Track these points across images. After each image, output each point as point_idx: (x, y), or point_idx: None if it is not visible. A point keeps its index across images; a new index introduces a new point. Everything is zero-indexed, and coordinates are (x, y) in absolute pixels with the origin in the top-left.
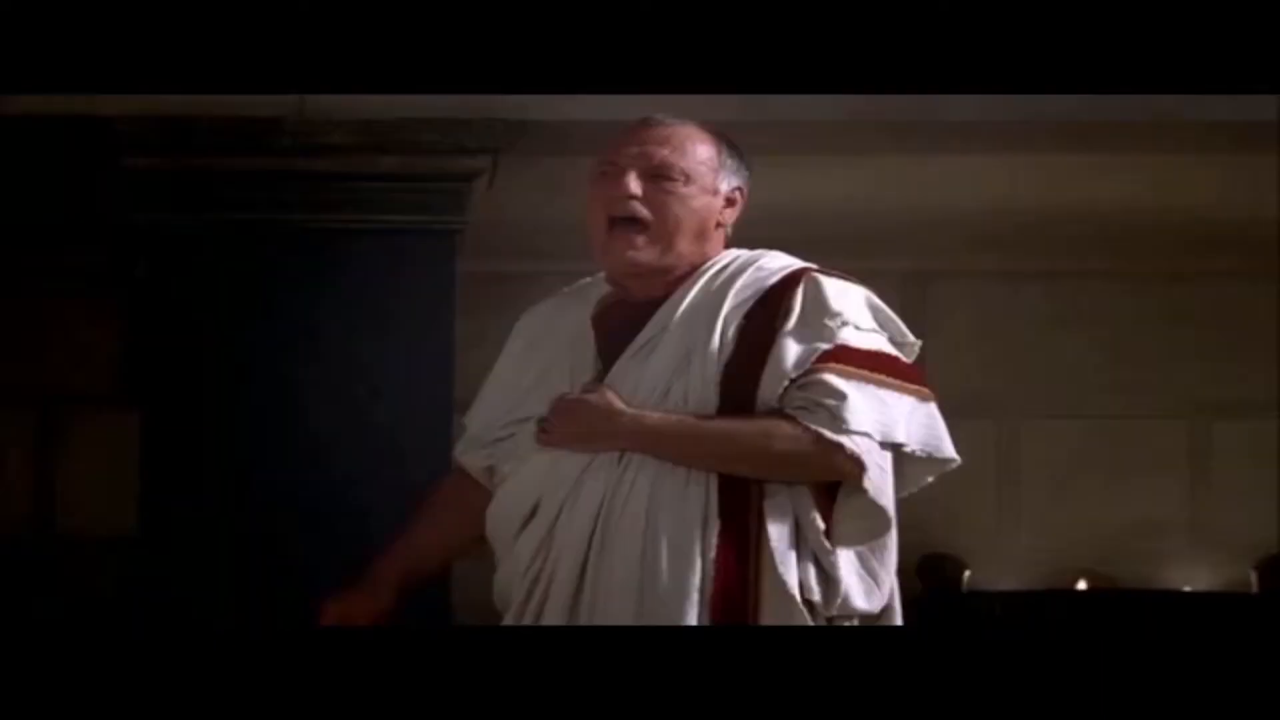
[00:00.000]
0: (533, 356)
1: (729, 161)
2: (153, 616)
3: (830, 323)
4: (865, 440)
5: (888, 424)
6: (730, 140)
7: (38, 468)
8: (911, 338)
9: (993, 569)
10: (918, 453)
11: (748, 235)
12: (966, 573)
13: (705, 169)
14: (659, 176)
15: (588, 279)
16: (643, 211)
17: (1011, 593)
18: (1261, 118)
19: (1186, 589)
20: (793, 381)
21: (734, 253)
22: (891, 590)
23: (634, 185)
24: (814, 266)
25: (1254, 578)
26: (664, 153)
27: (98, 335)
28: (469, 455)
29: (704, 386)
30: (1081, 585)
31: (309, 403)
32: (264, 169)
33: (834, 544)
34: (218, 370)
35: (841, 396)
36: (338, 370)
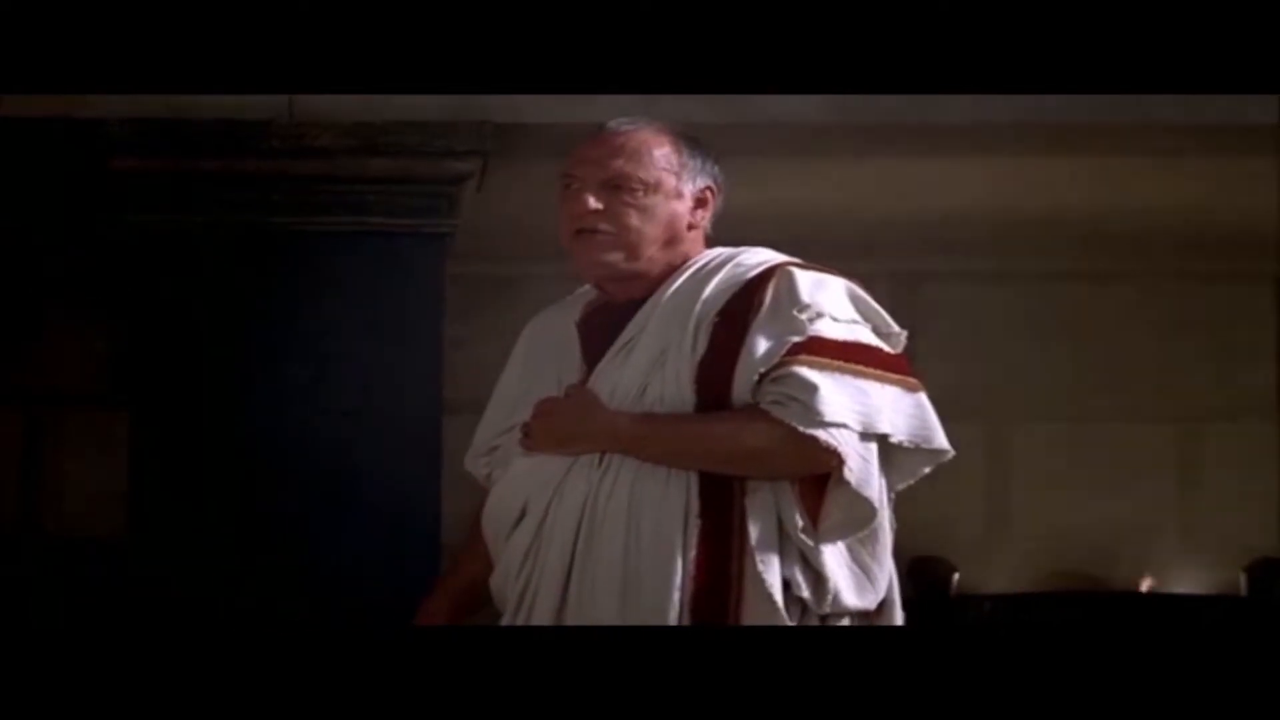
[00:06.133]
0: (527, 364)
1: (691, 162)
2: (141, 619)
3: (800, 314)
4: (842, 431)
5: (868, 414)
6: (693, 139)
7: (25, 469)
8: (896, 328)
9: (983, 572)
10: (906, 444)
11: (736, 238)
12: (956, 575)
13: (666, 174)
14: (617, 188)
15: (585, 286)
16: (604, 225)
17: (1001, 595)
18: (1254, 120)
19: (1178, 591)
20: (765, 375)
21: (714, 251)
22: (890, 584)
23: (592, 201)
24: (794, 261)
25: (1244, 580)
26: (619, 163)
27: (86, 336)
28: (472, 464)
29: (679, 384)
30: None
31: (298, 404)
32: (252, 171)
33: (821, 538)
34: (206, 372)
35: (813, 389)
36: (327, 372)
